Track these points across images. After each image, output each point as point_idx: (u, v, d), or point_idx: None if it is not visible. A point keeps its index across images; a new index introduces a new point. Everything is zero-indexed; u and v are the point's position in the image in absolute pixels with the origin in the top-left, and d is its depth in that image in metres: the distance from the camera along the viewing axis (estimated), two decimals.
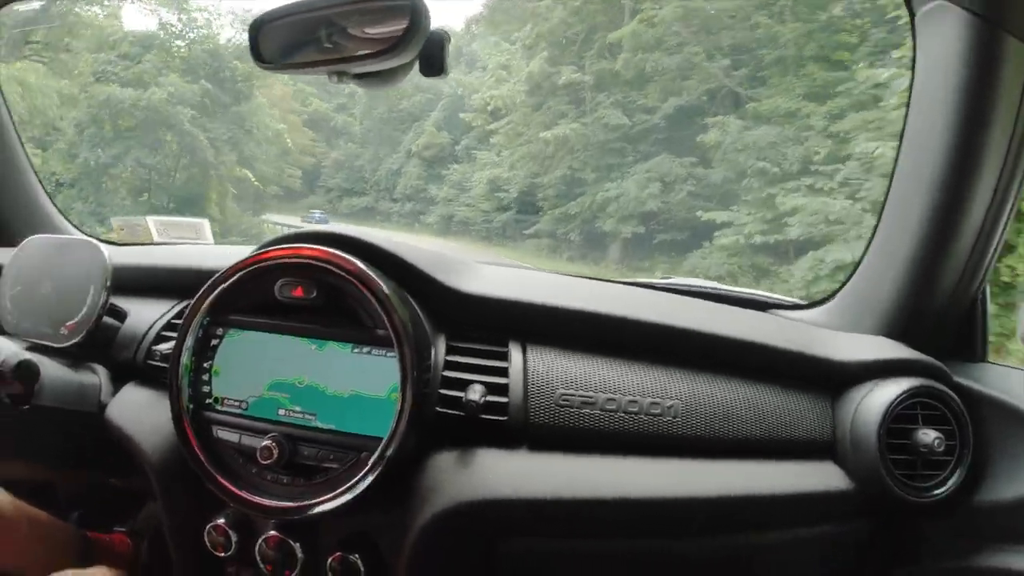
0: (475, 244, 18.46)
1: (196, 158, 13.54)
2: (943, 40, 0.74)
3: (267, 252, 0.76)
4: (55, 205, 1.35)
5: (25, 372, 0.76)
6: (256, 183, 17.96)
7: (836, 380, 0.81)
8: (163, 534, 0.89)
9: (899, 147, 0.84)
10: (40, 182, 1.31)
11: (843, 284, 0.98)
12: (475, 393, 0.73)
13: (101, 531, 1.01)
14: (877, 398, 0.75)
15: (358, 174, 27.08)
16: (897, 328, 0.85)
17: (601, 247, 14.00)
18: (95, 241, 0.97)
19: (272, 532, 0.74)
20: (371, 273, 0.74)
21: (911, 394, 0.74)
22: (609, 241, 13.42)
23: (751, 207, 8.99)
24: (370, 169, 26.49)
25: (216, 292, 0.77)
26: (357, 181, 27.02)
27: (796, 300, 1.08)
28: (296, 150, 23.68)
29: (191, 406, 0.76)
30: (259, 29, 0.74)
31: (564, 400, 0.76)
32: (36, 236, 1.02)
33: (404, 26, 0.68)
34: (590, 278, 1.13)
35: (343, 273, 0.74)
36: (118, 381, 0.93)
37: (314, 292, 0.76)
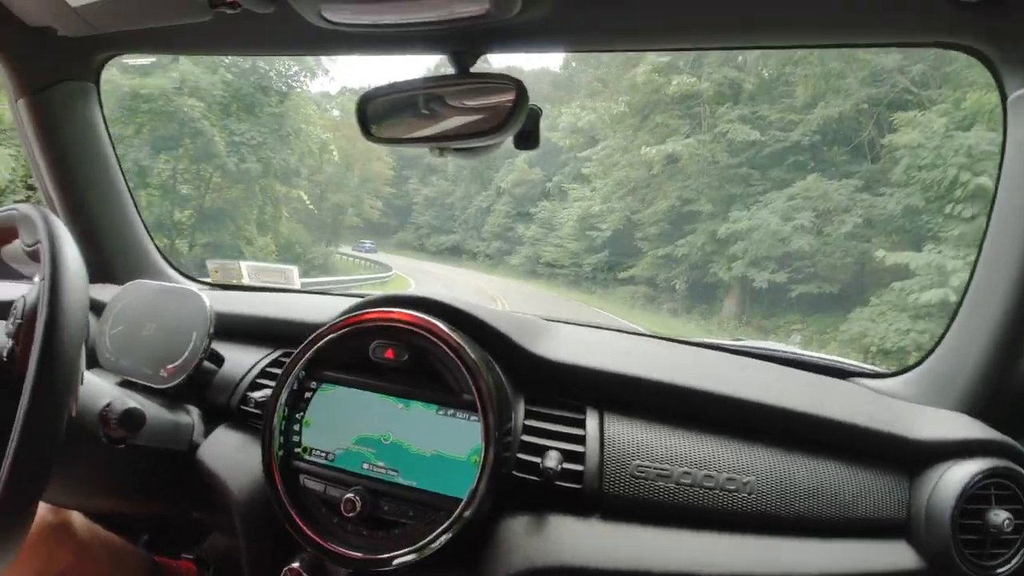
0: (561, 289, 19.01)
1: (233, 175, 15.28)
2: None
3: (364, 315, 0.96)
4: (158, 249, 1.66)
5: (130, 420, 0.92)
6: (310, 206, 19.68)
7: (915, 459, 0.92)
8: (229, 563, 1.08)
9: (987, 224, 0.96)
10: (145, 227, 1.62)
11: (927, 355, 1.09)
12: (552, 460, 0.87)
13: (168, 556, 1.20)
14: (953, 478, 0.86)
15: (448, 211, 30.92)
16: (977, 405, 0.97)
17: (710, 298, 13.45)
18: (198, 290, 1.20)
19: None
20: (460, 340, 0.91)
21: (987, 474, 0.85)
22: (722, 292, 12.78)
23: (959, 246, 7.78)
24: (460, 207, 29.85)
25: (314, 349, 0.97)
26: (447, 219, 30.81)
27: (877, 368, 1.19)
28: (377, 180, 26.57)
29: (281, 454, 0.95)
30: (367, 103, 0.97)
31: (639, 471, 0.89)
32: (141, 280, 1.27)
33: (498, 100, 0.88)
34: (665, 339, 1.29)
35: (434, 339, 0.92)
36: (210, 423, 1.14)
37: (405, 355, 0.94)
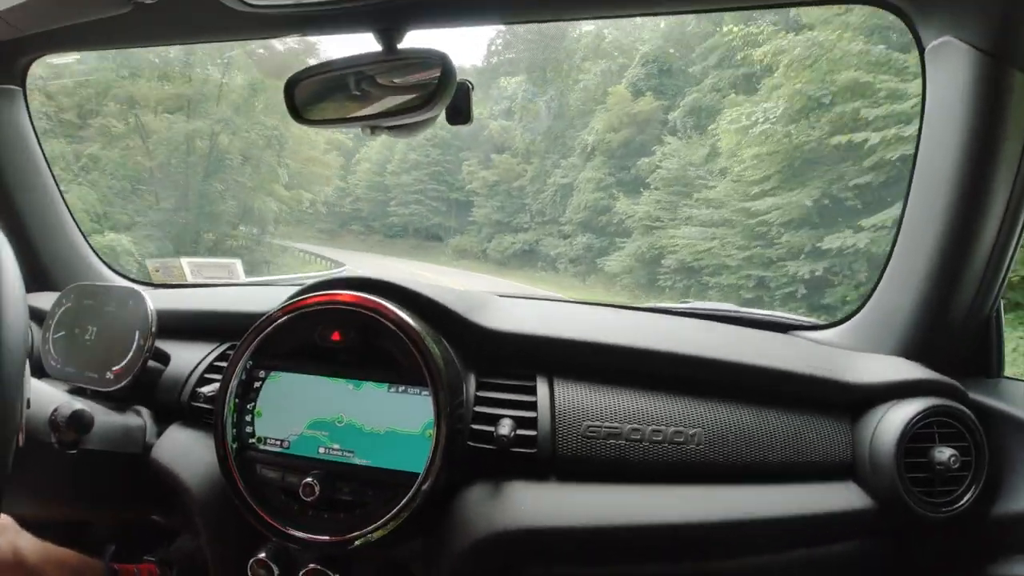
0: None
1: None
2: (951, 74, 0.90)
3: (306, 299, 0.95)
4: (95, 251, 1.61)
5: (78, 422, 0.93)
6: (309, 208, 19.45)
7: (855, 402, 0.97)
8: (193, 563, 1.07)
9: (912, 172, 1.01)
10: (79, 228, 1.57)
11: (862, 304, 1.14)
12: (505, 428, 0.90)
13: (133, 563, 1.19)
14: (894, 419, 0.91)
15: (517, 200, 26.46)
16: (914, 347, 1.02)
17: None
18: (138, 288, 1.17)
19: (312, 565, 0.89)
20: (405, 316, 0.92)
21: (927, 414, 0.90)
22: None
23: None
24: (533, 191, 25.55)
25: (259, 337, 0.96)
26: (516, 211, 26.28)
27: (816, 321, 1.26)
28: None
29: (235, 446, 0.94)
30: (294, 86, 0.95)
31: (590, 432, 0.92)
32: (79, 283, 1.24)
33: (428, 76, 0.88)
34: (611, 305, 1.33)
35: (379, 317, 0.92)
36: (162, 422, 1.13)
37: (351, 335, 0.94)
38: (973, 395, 0.95)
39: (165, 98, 15.13)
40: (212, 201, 15.58)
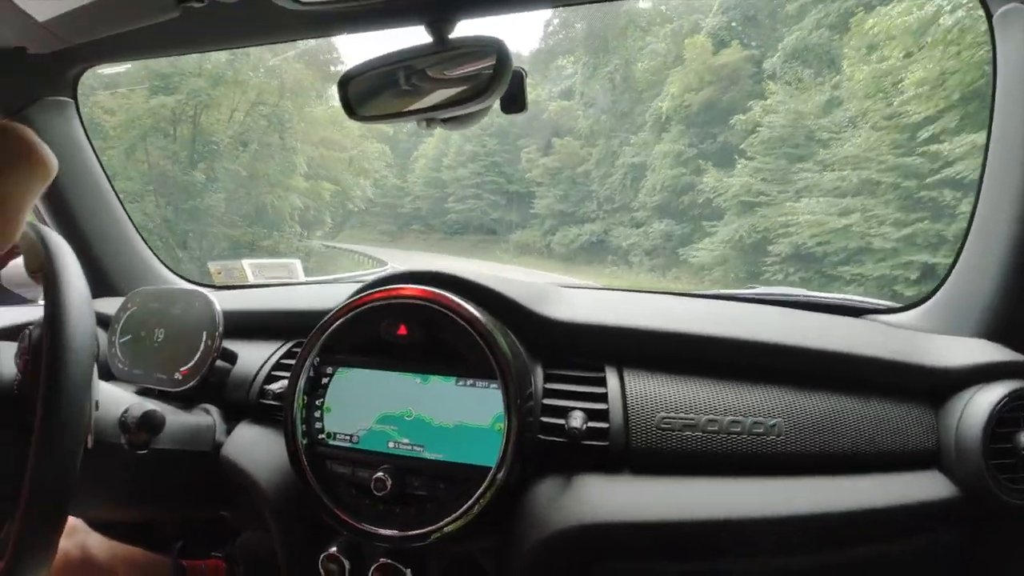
0: None
1: None
2: (1021, 42, 0.91)
3: (371, 295, 1.02)
4: (157, 256, 1.74)
5: (149, 423, 1.00)
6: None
7: (938, 387, 0.99)
8: (259, 559, 1.16)
9: (987, 146, 1.02)
10: (141, 234, 1.70)
11: (939, 285, 1.15)
12: (576, 420, 0.94)
13: (200, 559, 1.28)
14: (980, 403, 0.92)
15: (582, 187, 26.45)
16: (996, 329, 1.03)
17: None
18: (203, 290, 1.27)
19: (383, 559, 0.94)
20: (471, 308, 0.97)
21: (1013, 396, 0.91)
22: None
23: None
24: (599, 176, 25.30)
25: (326, 334, 1.04)
26: (581, 199, 26.54)
27: (890, 304, 1.27)
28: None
29: (305, 442, 1.02)
30: (348, 83, 1.01)
31: (665, 424, 0.96)
32: (143, 288, 1.36)
33: (481, 66, 0.92)
34: (676, 294, 1.38)
35: (444, 310, 0.98)
36: (231, 421, 1.22)
37: (417, 329, 1.01)
38: None
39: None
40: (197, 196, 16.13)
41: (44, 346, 0.73)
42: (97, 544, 1.15)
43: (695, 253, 15.59)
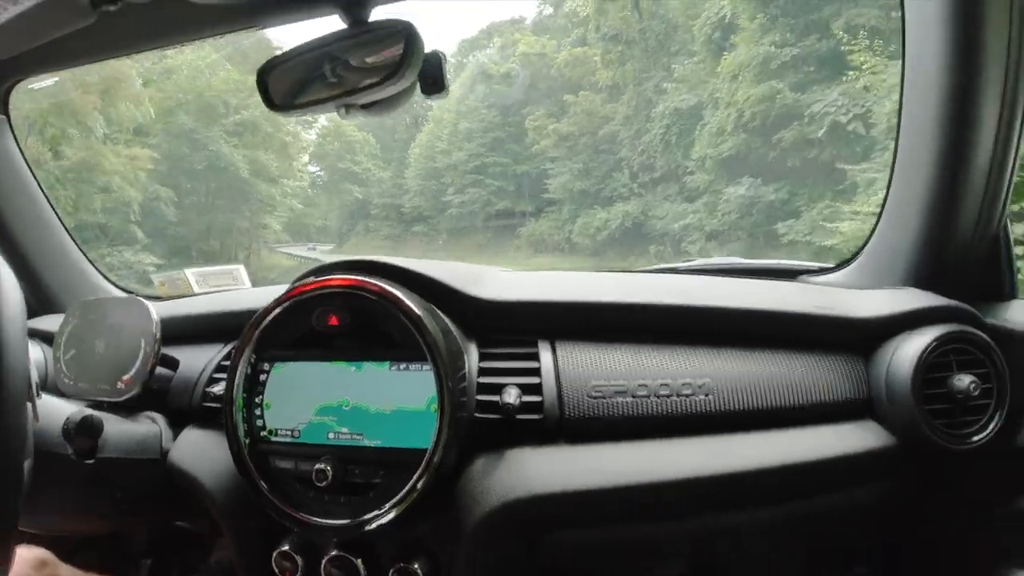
0: None
1: None
2: None
3: (300, 287, 1.19)
4: (97, 268, 1.96)
5: (88, 427, 1.17)
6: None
7: (866, 338, 1.16)
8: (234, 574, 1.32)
9: (900, 96, 1.19)
10: (80, 247, 1.92)
11: (866, 241, 1.34)
12: (510, 396, 1.12)
13: None
14: (908, 349, 1.09)
15: (607, 156, 24.14)
16: (922, 277, 1.21)
17: None
18: (140, 298, 1.46)
19: (335, 551, 1.11)
20: (398, 293, 1.14)
21: (942, 341, 1.08)
22: None
23: None
24: (629, 136, 23.01)
25: (259, 330, 1.21)
26: (608, 171, 23.98)
27: (822, 264, 1.47)
28: None
29: (247, 440, 1.18)
30: (267, 74, 1.19)
31: (596, 392, 1.14)
32: (83, 300, 1.55)
33: (397, 51, 1.10)
34: (613, 271, 1.56)
35: (372, 296, 1.15)
36: (176, 427, 1.41)
37: (348, 318, 1.18)
38: (989, 320, 1.14)
39: None
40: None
41: None
42: (65, 572, 1.29)
43: (830, 225, 11.07)
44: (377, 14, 1.17)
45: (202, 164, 20.64)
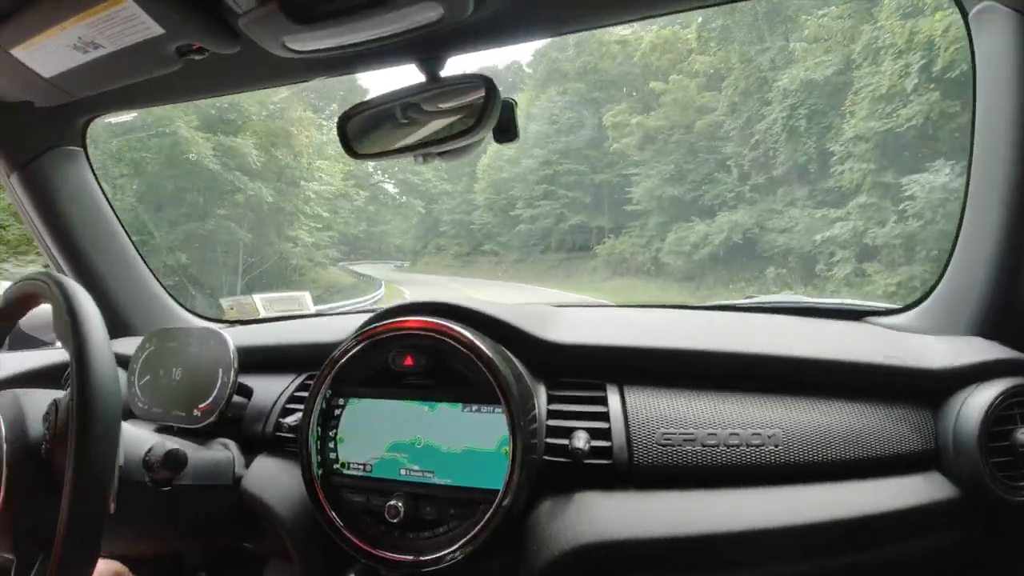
0: None
1: None
2: (997, 39, 1.19)
3: (375, 328, 1.35)
4: (171, 295, 2.21)
5: (173, 461, 1.31)
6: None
7: (935, 389, 1.28)
8: None
9: (971, 144, 1.30)
10: (155, 275, 2.18)
11: (934, 285, 1.45)
12: (580, 440, 1.25)
13: None
14: (975, 402, 1.21)
15: (706, 156, 22.83)
16: (991, 327, 1.32)
17: None
18: (218, 328, 1.66)
19: None
20: (473, 337, 1.29)
21: (1008, 394, 1.19)
22: None
23: None
24: (738, 127, 21.12)
25: (336, 367, 1.38)
26: (707, 174, 22.39)
27: (889, 305, 1.59)
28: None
29: (320, 472, 1.35)
30: (347, 121, 1.38)
31: (665, 439, 1.27)
32: (162, 328, 1.76)
33: (472, 98, 1.28)
34: (674, 306, 1.73)
35: (447, 339, 1.30)
36: (249, 454, 1.59)
37: (422, 359, 1.34)
38: None
39: None
40: None
41: (71, 409, 1.00)
42: None
43: None
44: (453, 63, 1.37)
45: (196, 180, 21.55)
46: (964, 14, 1.27)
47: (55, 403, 1.18)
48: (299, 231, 24.17)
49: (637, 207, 25.64)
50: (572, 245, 28.86)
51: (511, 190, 31.41)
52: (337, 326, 1.77)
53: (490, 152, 32.20)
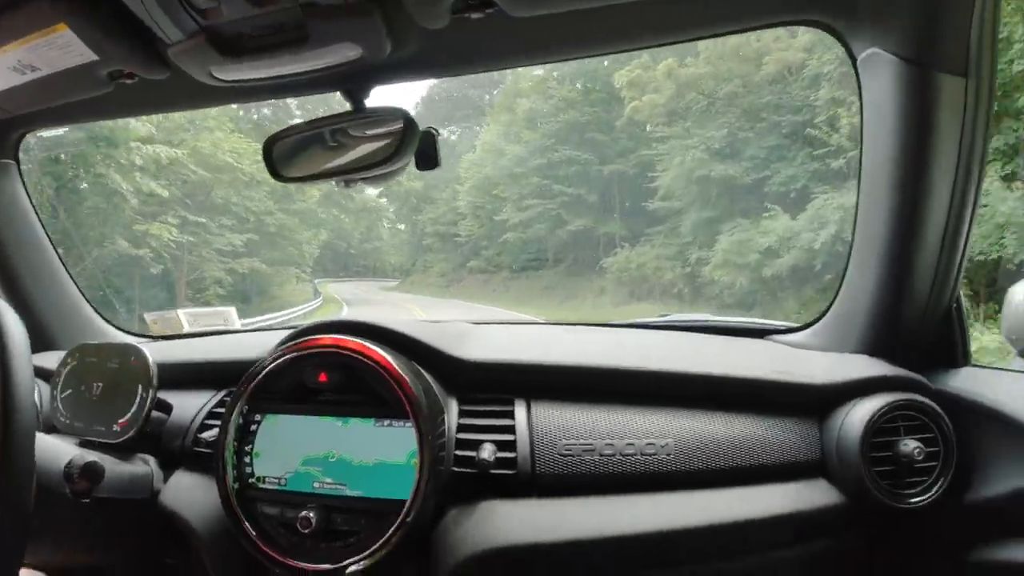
0: None
1: None
2: (882, 83, 1.44)
3: (291, 346, 1.61)
4: (95, 308, 2.49)
5: (91, 472, 1.53)
6: None
7: (820, 402, 1.57)
8: None
9: (859, 177, 1.60)
10: (80, 290, 2.45)
11: (830, 304, 1.77)
12: (486, 452, 1.51)
13: None
14: (858, 415, 1.49)
15: (776, 120, 19.07)
16: (877, 344, 1.64)
17: None
18: (138, 345, 1.90)
19: None
20: (385, 354, 1.55)
21: (889, 408, 1.47)
22: None
23: None
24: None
25: (252, 384, 1.61)
26: (775, 151, 19.00)
27: (790, 324, 1.93)
28: None
29: (236, 486, 1.56)
30: (272, 145, 1.66)
31: (566, 450, 1.54)
32: (83, 343, 2.01)
33: (393, 128, 1.56)
34: (589, 324, 2.07)
35: (360, 357, 1.54)
36: (167, 468, 1.83)
37: (337, 376, 1.59)
38: (939, 386, 1.54)
39: None
40: None
41: None
42: None
43: None
44: (377, 94, 1.66)
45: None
46: (854, 60, 1.57)
47: None
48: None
49: (664, 204, 22.53)
50: (573, 259, 26.35)
51: (494, 189, 29.42)
52: (257, 342, 2.06)
53: (484, 139, 30.27)
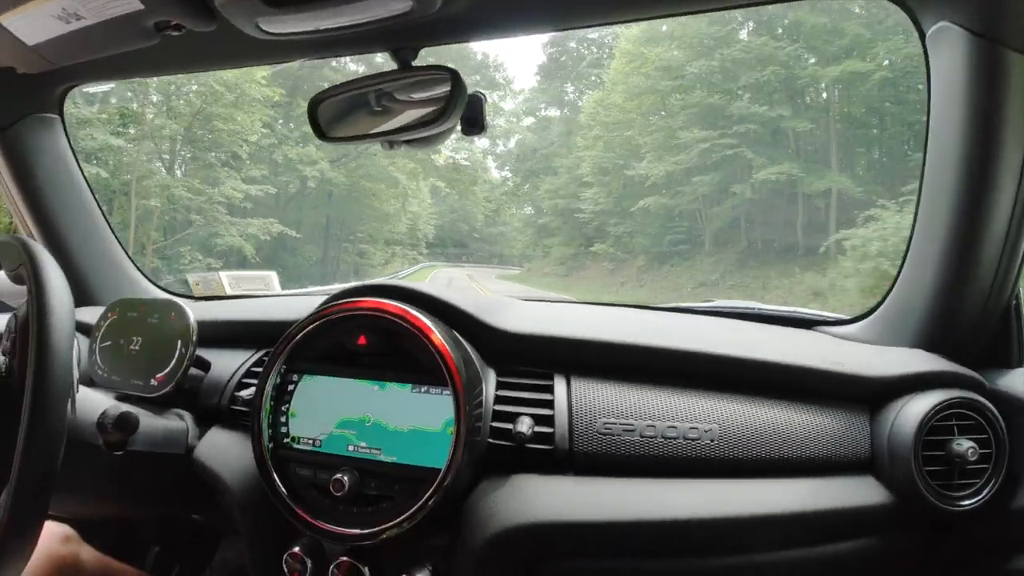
0: None
1: None
2: (952, 60, 1.47)
3: (333, 306, 1.70)
4: (136, 266, 2.59)
5: (125, 423, 1.66)
6: None
7: (872, 396, 1.58)
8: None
9: (923, 161, 1.61)
10: (122, 245, 2.56)
11: (883, 298, 1.78)
12: (524, 425, 1.59)
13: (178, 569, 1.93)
14: (912, 411, 1.51)
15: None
16: (933, 339, 1.65)
17: None
18: (179, 300, 2.02)
19: (343, 557, 1.52)
20: (426, 320, 1.61)
21: (945, 406, 1.48)
22: None
23: None
24: None
25: (291, 344, 1.68)
26: None
27: (840, 316, 1.94)
28: None
29: (271, 445, 1.65)
30: (318, 105, 1.76)
31: (606, 428, 1.60)
32: (124, 298, 2.14)
33: (441, 91, 1.64)
34: (632, 306, 2.11)
35: (400, 322, 1.61)
36: (203, 425, 1.95)
37: (376, 339, 1.68)
38: (994, 386, 1.55)
39: None
40: None
41: (31, 316, 1.26)
42: (88, 556, 1.87)
43: None
44: (426, 54, 1.69)
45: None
46: (922, 36, 1.61)
47: (13, 318, 1.57)
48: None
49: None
50: (759, 236, 20.30)
51: (632, 129, 24.83)
52: (297, 305, 2.16)
53: (594, 99, 25.02)
